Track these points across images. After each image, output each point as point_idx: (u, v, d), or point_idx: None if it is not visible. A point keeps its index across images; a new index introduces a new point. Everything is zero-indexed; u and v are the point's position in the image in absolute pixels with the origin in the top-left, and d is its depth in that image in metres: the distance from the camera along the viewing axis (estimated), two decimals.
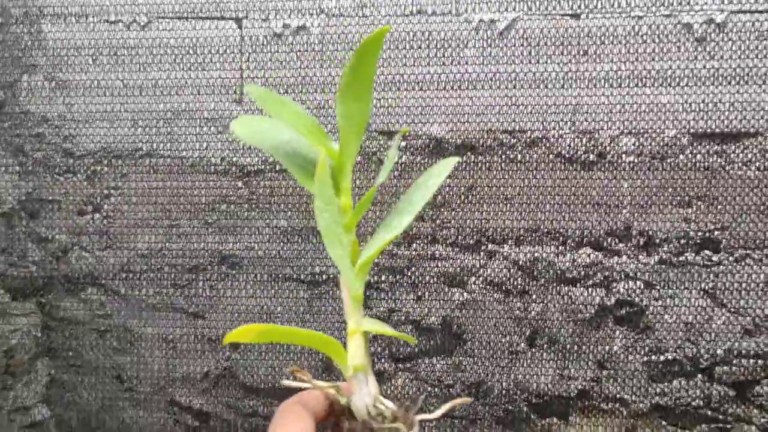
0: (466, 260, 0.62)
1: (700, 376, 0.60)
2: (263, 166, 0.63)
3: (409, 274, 0.62)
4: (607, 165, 0.60)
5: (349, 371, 0.37)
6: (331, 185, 0.36)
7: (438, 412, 0.38)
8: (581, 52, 0.59)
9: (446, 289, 0.62)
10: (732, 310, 0.59)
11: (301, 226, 0.63)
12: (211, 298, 0.64)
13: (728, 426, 0.60)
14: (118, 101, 0.64)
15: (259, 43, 0.62)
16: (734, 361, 0.59)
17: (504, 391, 0.62)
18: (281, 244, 0.63)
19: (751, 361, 0.59)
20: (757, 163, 0.58)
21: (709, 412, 0.60)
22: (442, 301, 0.62)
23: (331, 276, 0.63)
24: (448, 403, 0.38)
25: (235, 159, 0.63)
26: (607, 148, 0.60)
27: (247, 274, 0.64)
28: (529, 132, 0.60)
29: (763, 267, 0.59)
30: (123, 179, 0.64)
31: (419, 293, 0.62)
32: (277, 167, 0.63)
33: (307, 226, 0.63)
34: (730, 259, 0.59)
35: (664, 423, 0.61)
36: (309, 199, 0.63)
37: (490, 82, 0.61)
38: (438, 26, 0.60)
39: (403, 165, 0.62)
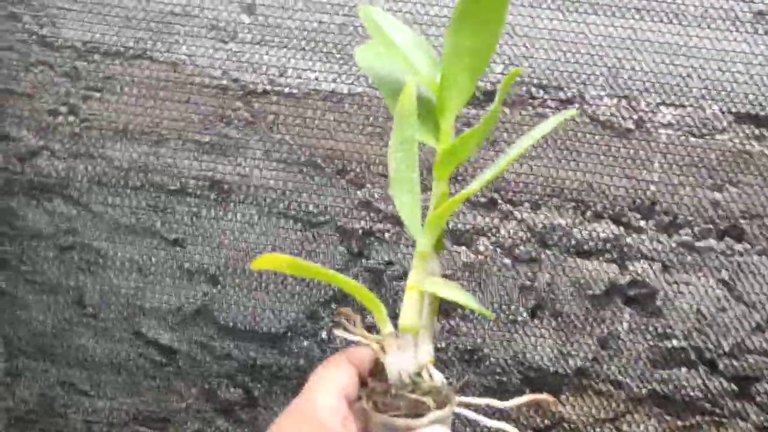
0: (478, 219, 0.57)
1: (703, 367, 0.57)
2: (269, 87, 0.56)
3: None
4: (642, 135, 0.55)
5: (388, 329, 0.33)
6: (413, 120, 0.30)
7: (509, 403, 0.33)
8: (631, 8, 0.54)
9: (452, 247, 0.57)
10: (746, 303, 0.56)
11: (302, 159, 0.57)
12: (193, 226, 0.58)
13: (723, 420, 0.58)
14: None
15: None
16: (740, 356, 0.57)
17: (499, 361, 0.59)
18: (278, 175, 0.57)
19: (758, 357, 0.57)
20: None
21: (707, 405, 0.58)
22: (446, 259, 0.58)
23: (331, 217, 0.57)
24: (526, 396, 0.34)
25: (237, 75, 0.56)
26: (646, 117, 0.55)
27: (236, 205, 0.58)
28: (564, 89, 0.55)
29: None
30: (107, 81, 0.57)
31: None
32: (286, 90, 0.56)
33: (311, 161, 0.57)
34: (752, 250, 0.56)
35: (658, 410, 0.58)
36: (313, 130, 0.57)
37: (526, 29, 0.55)
38: None
39: None
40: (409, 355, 0.33)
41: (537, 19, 0.55)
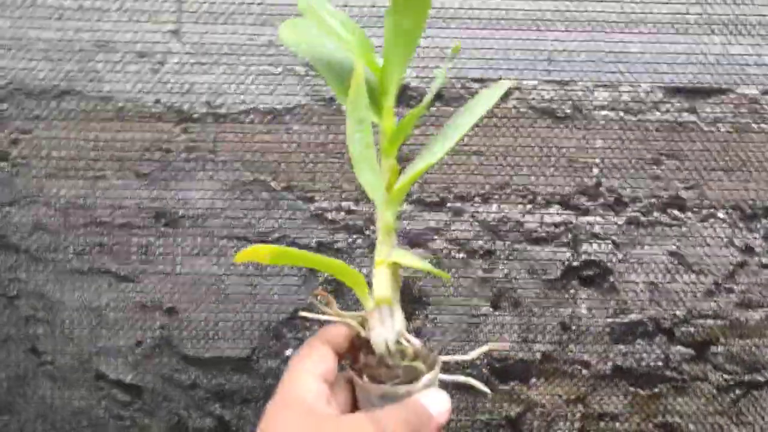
0: (430, 219, 0.58)
1: (660, 336, 0.59)
2: (206, 110, 0.55)
3: (368, 232, 0.57)
4: (581, 119, 0.57)
5: (371, 304, 0.35)
6: (365, 101, 0.32)
7: (471, 355, 0.36)
8: (555, 21, 0.55)
9: (408, 249, 0.58)
10: (695, 270, 0.58)
11: (248, 180, 0.56)
12: (143, 260, 0.57)
13: (685, 385, 0.60)
14: (29, 27, 0.54)
15: None
16: (695, 322, 0.59)
17: None
18: (225, 199, 0.56)
19: (710, 321, 0.59)
20: (727, 121, 0.57)
21: (668, 372, 0.60)
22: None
23: (283, 235, 0.57)
24: (484, 345, 0.36)
25: (172, 101, 0.55)
26: (582, 101, 0.56)
27: (185, 233, 0.57)
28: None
29: (726, 227, 0.58)
30: (35, 122, 0.55)
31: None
32: (223, 111, 0.55)
33: (257, 180, 0.56)
34: (695, 218, 0.58)
35: (624, 384, 0.60)
36: (255, 148, 0.56)
37: (460, 24, 0.56)
38: None
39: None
40: (389, 326, 0.35)
41: (468, 40, 0.56)
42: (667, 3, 0.55)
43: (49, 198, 0.56)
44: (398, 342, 0.35)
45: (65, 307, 0.57)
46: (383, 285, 0.35)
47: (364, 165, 0.33)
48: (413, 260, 0.36)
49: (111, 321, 0.58)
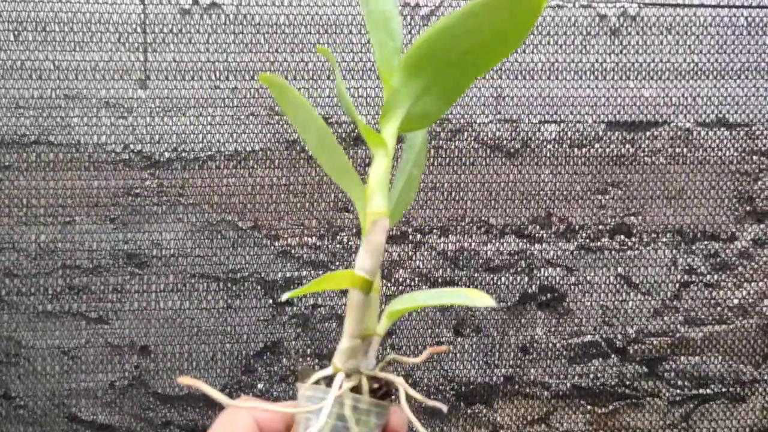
0: (392, 252, 0.60)
1: (614, 355, 0.63)
2: (172, 155, 0.57)
3: (334, 267, 0.60)
4: (529, 154, 0.60)
5: None
6: None
7: (420, 358, 0.36)
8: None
9: None
10: (643, 291, 0.62)
11: (216, 220, 0.58)
12: (115, 301, 0.58)
13: (639, 401, 0.63)
14: (10, 87, 0.56)
15: (164, 21, 0.56)
16: (645, 340, 0.62)
17: (431, 382, 0.62)
18: (194, 240, 0.59)
19: (660, 339, 0.63)
20: (665, 151, 0.61)
21: (623, 389, 0.63)
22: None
23: (251, 273, 0.59)
24: (426, 350, 0.37)
25: (140, 148, 0.57)
26: (530, 137, 0.60)
27: (156, 274, 0.59)
28: (453, 120, 0.60)
29: (669, 249, 0.62)
30: (5, 171, 0.56)
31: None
32: (190, 156, 0.57)
33: (224, 220, 0.58)
34: (641, 242, 0.62)
35: (582, 403, 0.63)
36: (222, 190, 0.58)
37: None
38: (336, 10, 0.58)
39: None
40: None
41: None
42: (585, 53, 0.60)
43: (21, 244, 0.57)
44: None
45: (37, 350, 0.58)
46: None
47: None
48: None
49: (84, 362, 0.59)
